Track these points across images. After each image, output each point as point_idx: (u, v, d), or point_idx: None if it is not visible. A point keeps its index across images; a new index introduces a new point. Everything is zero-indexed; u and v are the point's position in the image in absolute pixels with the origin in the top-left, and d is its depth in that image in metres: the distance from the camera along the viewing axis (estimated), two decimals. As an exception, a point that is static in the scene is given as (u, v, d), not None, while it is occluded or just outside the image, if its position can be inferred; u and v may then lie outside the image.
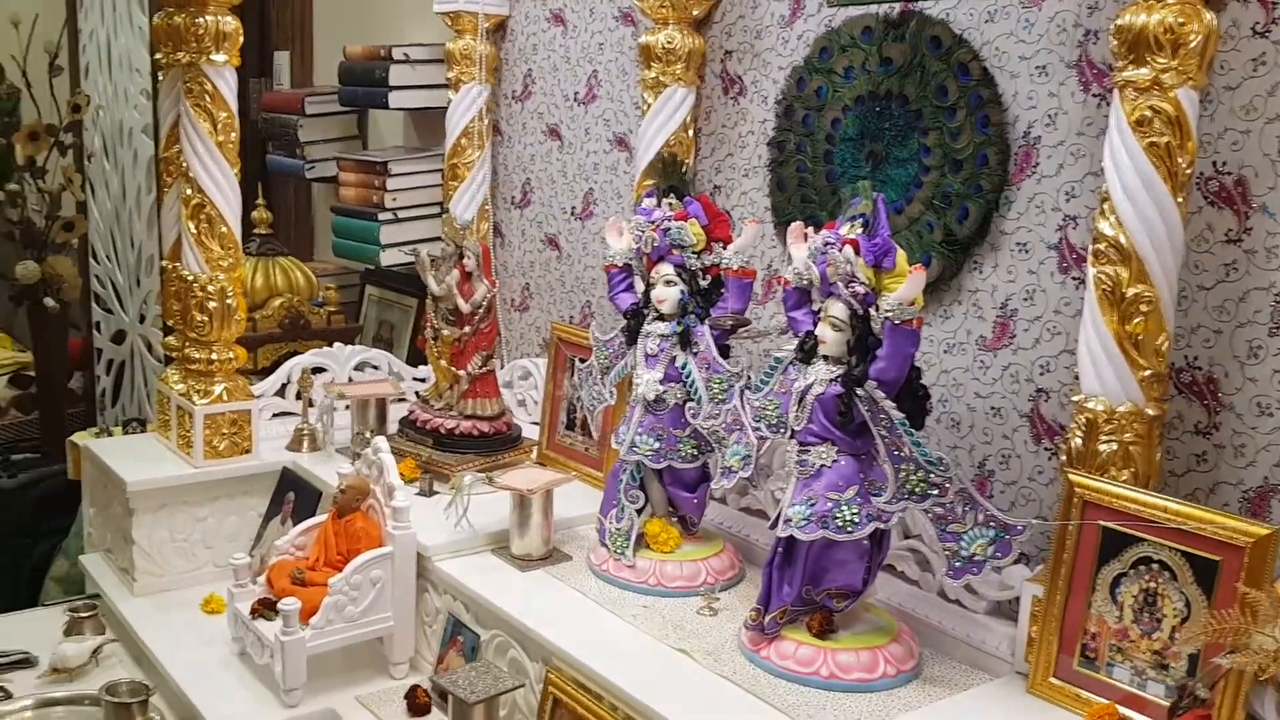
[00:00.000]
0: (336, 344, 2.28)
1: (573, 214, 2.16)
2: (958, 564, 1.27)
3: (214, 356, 2.02)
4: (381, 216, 2.44)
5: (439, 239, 2.44)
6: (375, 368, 2.29)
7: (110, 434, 2.69)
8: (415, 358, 2.43)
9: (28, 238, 3.30)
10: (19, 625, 2.00)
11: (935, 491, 1.26)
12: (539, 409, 2.10)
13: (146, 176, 3.16)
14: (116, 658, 1.87)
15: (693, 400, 1.56)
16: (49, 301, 3.28)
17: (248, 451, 2.04)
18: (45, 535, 3.00)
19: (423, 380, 2.30)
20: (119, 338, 3.41)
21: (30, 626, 1.98)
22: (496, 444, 1.96)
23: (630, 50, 2.01)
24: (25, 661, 1.85)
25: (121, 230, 3.31)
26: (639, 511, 1.62)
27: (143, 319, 3.30)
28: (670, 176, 1.60)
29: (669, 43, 1.82)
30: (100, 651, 1.85)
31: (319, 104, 2.70)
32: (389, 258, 2.46)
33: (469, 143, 2.28)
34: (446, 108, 2.33)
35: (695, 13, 1.83)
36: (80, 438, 2.71)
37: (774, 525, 1.35)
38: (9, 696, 1.75)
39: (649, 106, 1.85)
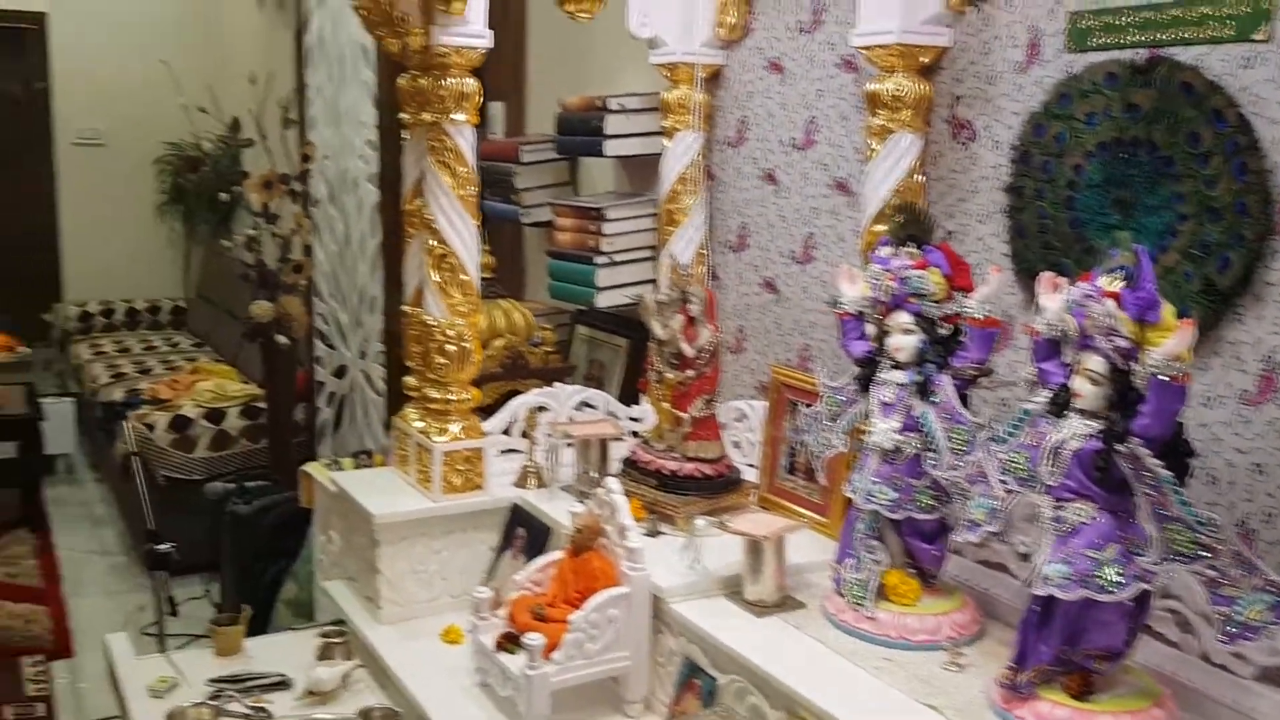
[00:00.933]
0: (557, 384, 2.36)
1: (791, 258, 2.18)
2: (1231, 629, 1.23)
3: (451, 397, 2.12)
4: (597, 260, 2.52)
5: (653, 282, 2.52)
6: (593, 407, 2.36)
7: (340, 465, 2.86)
8: (628, 396, 2.49)
9: (262, 279, 3.54)
10: (271, 648, 2.15)
11: (1206, 553, 1.22)
12: (755, 451, 2.12)
13: (370, 222, 3.35)
14: (364, 682, 1.98)
15: (932, 451, 1.55)
16: (280, 339, 3.51)
17: (480, 488, 2.14)
18: (277, 559, 3.21)
19: (637, 420, 2.36)
20: (340, 372, 3.63)
21: (282, 649, 2.12)
22: (718, 486, 1.99)
23: (851, 96, 2.02)
24: (282, 683, 1.98)
25: (345, 271, 3.52)
26: (876, 562, 1.62)
27: (363, 355, 3.49)
28: (910, 225, 1.61)
29: (897, 90, 1.82)
30: (350, 676, 1.96)
31: (534, 152, 2.81)
32: (605, 300, 2.53)
33: (684, 188, 2.33)
34: (659, 154, 2.40)
35: (923, 60, 1.84)
36: (314, 468, 2.89)
37: (1028, 583, 1.33)
38: (270, 717, 1.88)
39: (874, 152, 1.86)
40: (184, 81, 6.07)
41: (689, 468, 1.98)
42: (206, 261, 6.19)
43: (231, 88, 4.62)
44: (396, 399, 3.26)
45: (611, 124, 2.47)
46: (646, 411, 2.35)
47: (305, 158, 3.47)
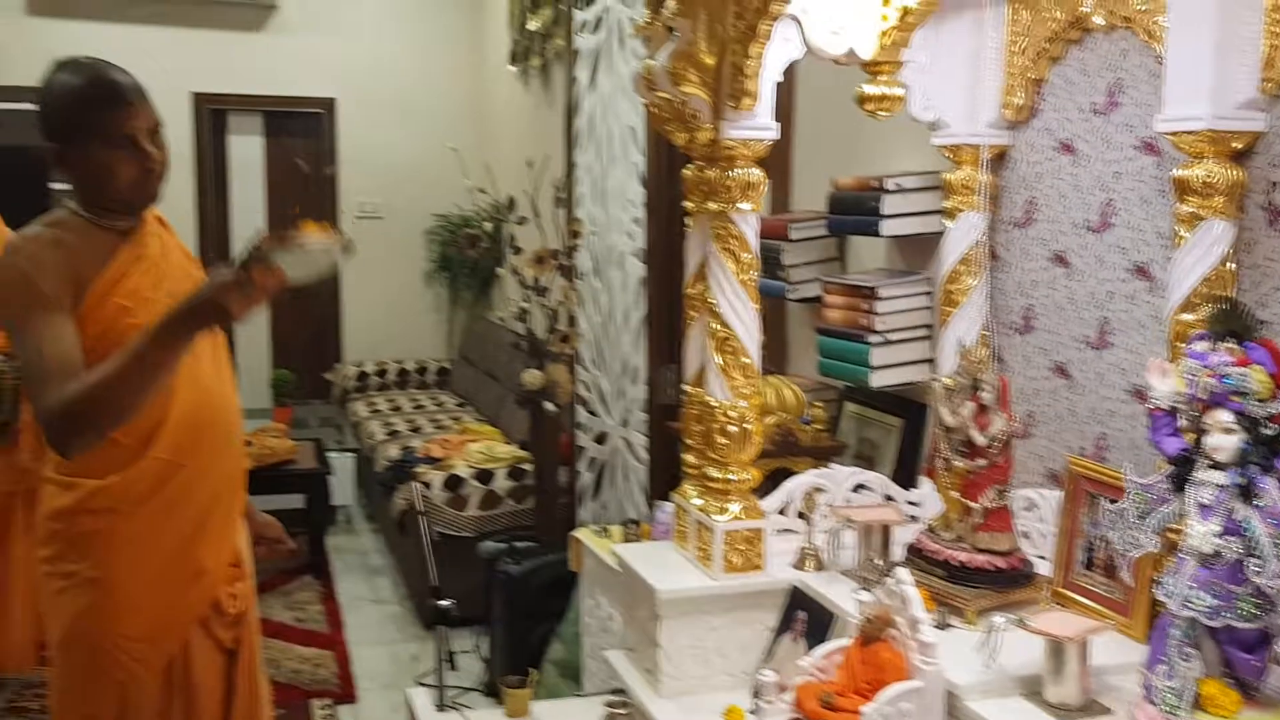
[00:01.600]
0: (834, 465, 2.37)
1: (1085, 343, 2.12)
2: None
3: (731, 476, 2.17)
4: (870, 339, 2.52)
5: (929, 361, 2.50)
6: (870, 489, 2.35)
7: (608, 533, 2.96)
8: (902, 477, 2.47)
9: (532, 348, 3.73)
10: (557, 713, 2.24)
11: None
12: (1046, 543, 2.06)
13: (635, 296, 3.48)
14: (648, 755, 2.04)
15: (1255, 557, 1.47)
16: (548, 405, 3.69)
17: (759, 568, 2.17)
18: (544, 620, 3.34)
19: (916, 504, 2.34)
20: (601, 438, 3.76)
21: (566, 715, 2.21)
22: (1011, 580, 1.94)
23: (1153, 180, 1.96)
24: (571, 749, 2.07)
25: (609, 342, 3.67)
26: (1192, 670, 1.54)
27: (625, 423, 3.61)
28: (1229, 319, 1.54)
29: (1208, 176, 1.76)
30: (636, 748, 2.03)
31: (803, 229, 2.86)
32: (879, 379, 2.53)
33: (966, 269, 2.31)
34: (935, 233, 2.39)
35: (1236, 145, 1.76)
36: (584, 534, 3.00)
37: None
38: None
39: (1182, 240, 1.80)
40: (454, 157, 6.53)
41: (980, 560, 1.94)
42: (469, 326, 6.58)
43: (499, 165, 4.94)
44: (658, 468, 3.37)
45: (888, 204, 2.48)
46: (926, 495, 2.32)
47: (574, 234, 3.65)
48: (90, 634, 2.00)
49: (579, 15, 3.72)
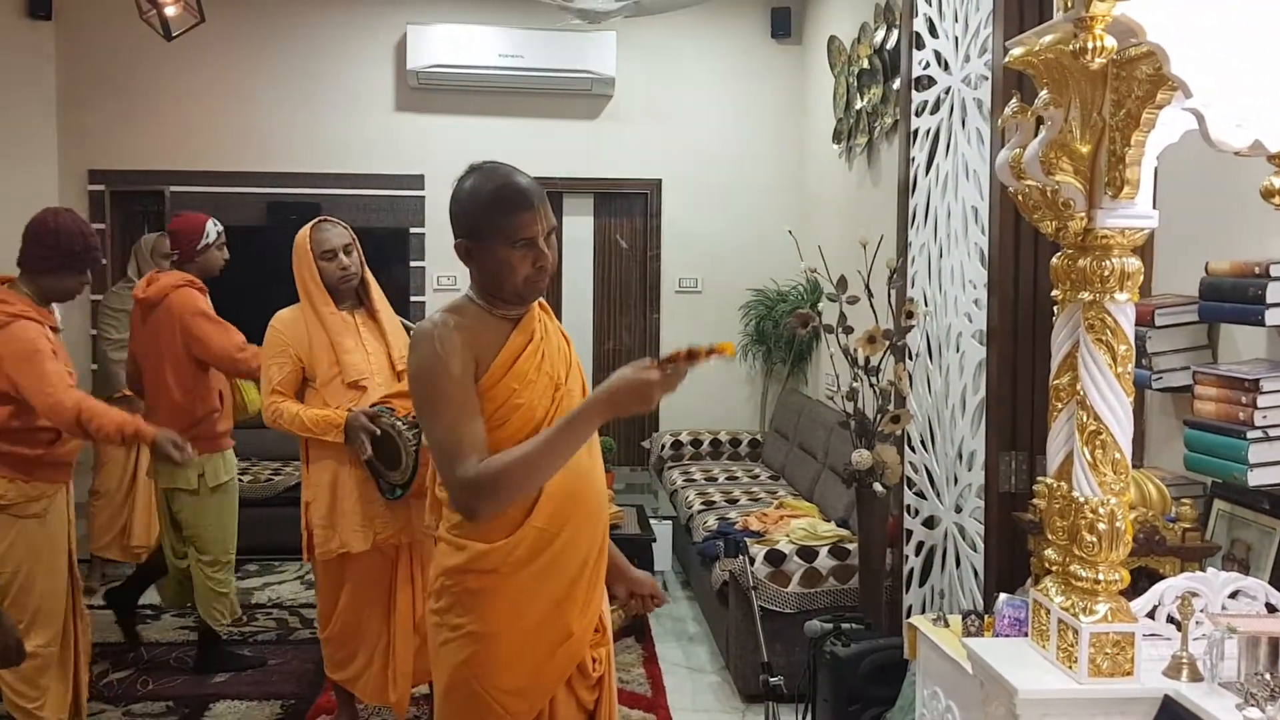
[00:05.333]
0: (1210, 569, 2.22)
1: None
2: None
3: (1100, 576, 2.08)
4: (1249, 434, 2.36)
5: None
6: (1251, 597, 2.18)
7: (946, 622, 2.89)
8: (1287, 587, 2.27)
9: (861, 428, 3.73)
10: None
11: None
12: None
13: (973, 379, 3.42)
14: None
15: None
16: (877, 486, 3.66)
17: (1130, 674, 2.06)
18: (871, 704, 3.29)
19: (1308, 617, 2.14)
20: (930, 522, 3.68)
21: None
22: None
23: None
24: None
25: (942, 425, 3.60)
26: None
27: (959, 509, 3.52)
28: None
29: None
30: None
31: (1170, 315, 2.71)
32: (1258, 477, 2.35)
33: (1367, 364, 2.12)
34: (1330, 324, 2.21)
35: None
36: (921, 623, 2.94)
37: None
38: None
39: None
40: (775, 234, 6.68)
41: (1397, 687, 1.76)
42: (782, 399, 6.66)
43: (818, 242, 5.00)
44: (996, 558, 3.26)
45: (1274, 291, 2.33)
46: (1320, 609, 2.13)
47: (908, 314, 3.63)
48: (470, 683, 2.18)
49: (917, 96, 3.74)
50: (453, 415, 2.06)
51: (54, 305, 3.61)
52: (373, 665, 3.60)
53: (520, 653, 2.17)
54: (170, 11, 5.69)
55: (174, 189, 6.93)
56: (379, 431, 3.38)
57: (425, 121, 7.00)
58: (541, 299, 2.31)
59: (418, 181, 6.99)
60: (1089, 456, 2.08)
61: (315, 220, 3.61)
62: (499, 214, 2.13)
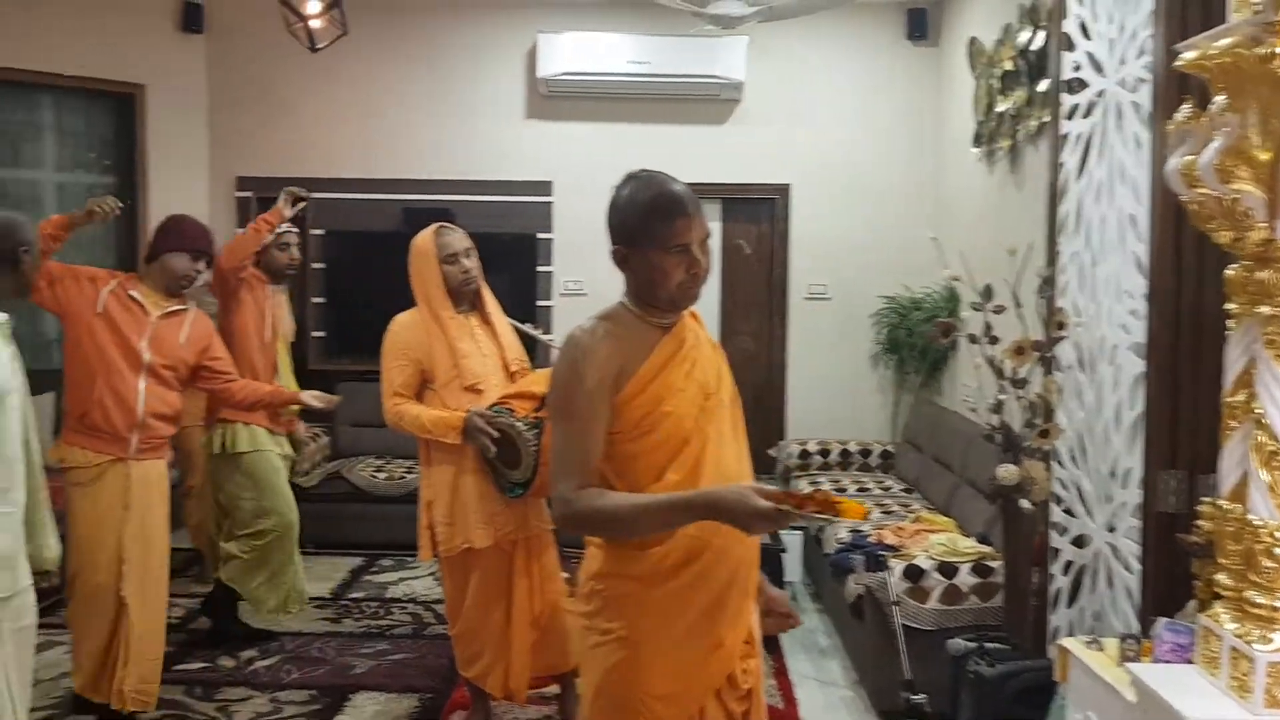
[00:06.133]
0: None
1: None
2: None
3: (1278, 604, 1.98)
4: None
5: None
6: None
7: (1100, 646, 2.79)
8: None
9: (1007, 442, 3.63)
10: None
11: None
12: None
13: (1130, 393, 3.29)
14: None
15: None
16: (1023, 502, 3.55)
17: (1314, 710, 1.95)
18: (1017, 728, 3.20)
19: None
20: (1080, 541, 3.56)
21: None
22: None
23: None
24: None
25: (1094, 441, 3.48)
26: None
27: (1111, 529, 3.40)
28: None
29: None
30: None
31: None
32: None
33: None
34: None
35: None
36: (1074, 645, 2.85)
37: None
38: None
39: None
40: (907, 240, 6.58)
41: None
42: (915, 409, 6.53)
43: (958, 248, 4.89)
44: (1154, 580, 3.13)
45: None
46: None
47: (1059, 325, 3.52)
48: (619, 687, 2.19)
49: (1068, 99, 3.62)
50: (573, 429, 2.12)
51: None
52: (498, 660, 3.67)
53: (670, 660, 2.18)
54: (316, 24, 5.89)
55: (315, 196, 7.12)
56: (497, 433, 3.44)
57: (553, 128, 7.09)
58: (693, 308, 2.31)
59: (545, 188, 7.08)
60: (1267, 478, 1.98)
61: (435, 225, 3.70)
62: (654, 220, 2.14)
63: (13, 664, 2.66)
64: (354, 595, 5.48)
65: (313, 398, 4.32)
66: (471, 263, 3.64)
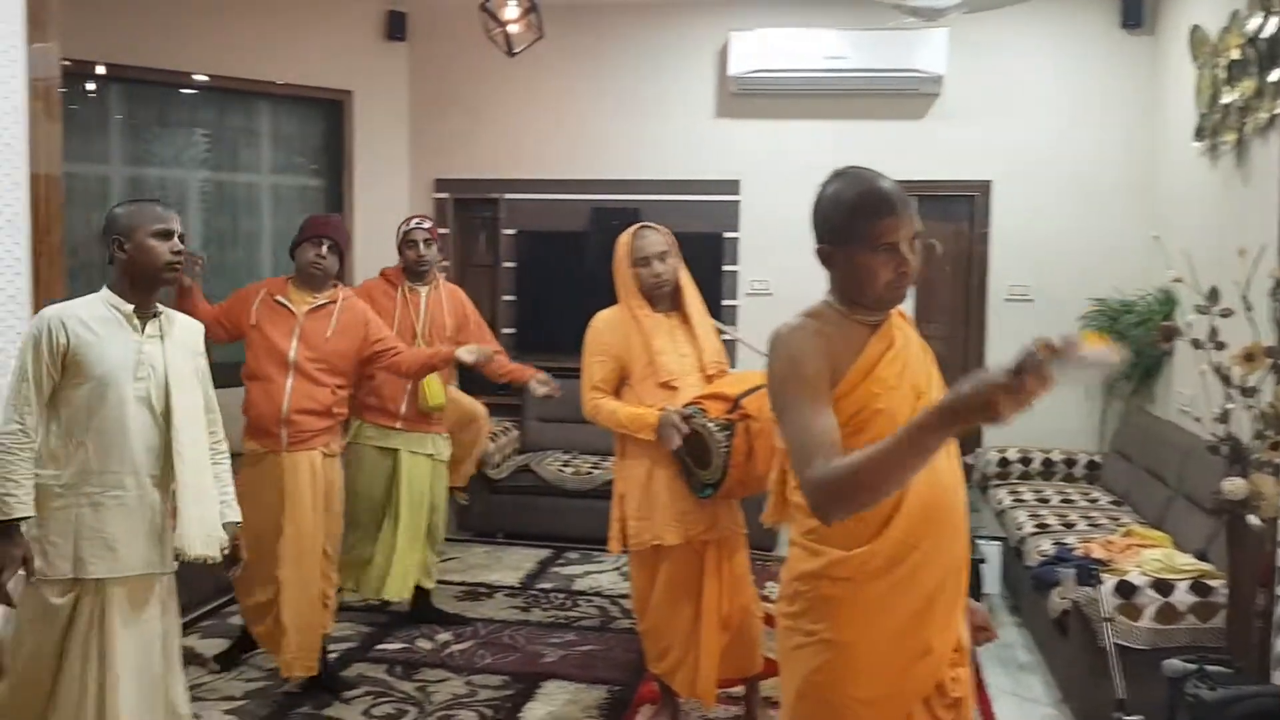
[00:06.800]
0: None
1: None
2: None
3: None
4: None
5: None
6: None
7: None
8: None
9: (1234, 454, 3.38)
10: None
11: None
12: None
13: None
14: None
15: None
16: (1251, 519, 3.30)
17: None
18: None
19: None
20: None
21: None
22: None
23: None
24: None
25: (1338, 453, 3.20)
26: None
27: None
28: None
29: None
30: None
31: None
32: None
33: None
34: None
35: None
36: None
37: None
38: None
39: None
40: (1119, 239, 6.25)
41: None
42: (1126, 418, 6.17)
43: (1176, 247, 4.60)
44: None
45: None
46: None
47: (1298, 329, 3.26)
48: (823, 690, 2.15)
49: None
50: (806, 415, 2.02)
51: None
52: (686, 659, 3.66)
53: (876, 664, 2.12)
54: (514, 29, 6.03)
55: (507, 196, 7.35)
56: (689, 431, 3.44)
57: (743, 127, 7.05)
58: (900, 308, 2.24)
59: (733, 187, 7.05)
60: None
61: (636, 226, 3.73)
62: (861, 219, 2.09)
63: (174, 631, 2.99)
64: (542, 586, 5.59)
65: (466, 352, 4.33)
66: (665, 265, 3.66)
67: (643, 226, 3.73)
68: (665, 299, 3.70)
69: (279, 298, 4.08)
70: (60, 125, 3.45)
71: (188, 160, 7.04)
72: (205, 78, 6.77)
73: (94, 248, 6.75)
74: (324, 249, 4.09)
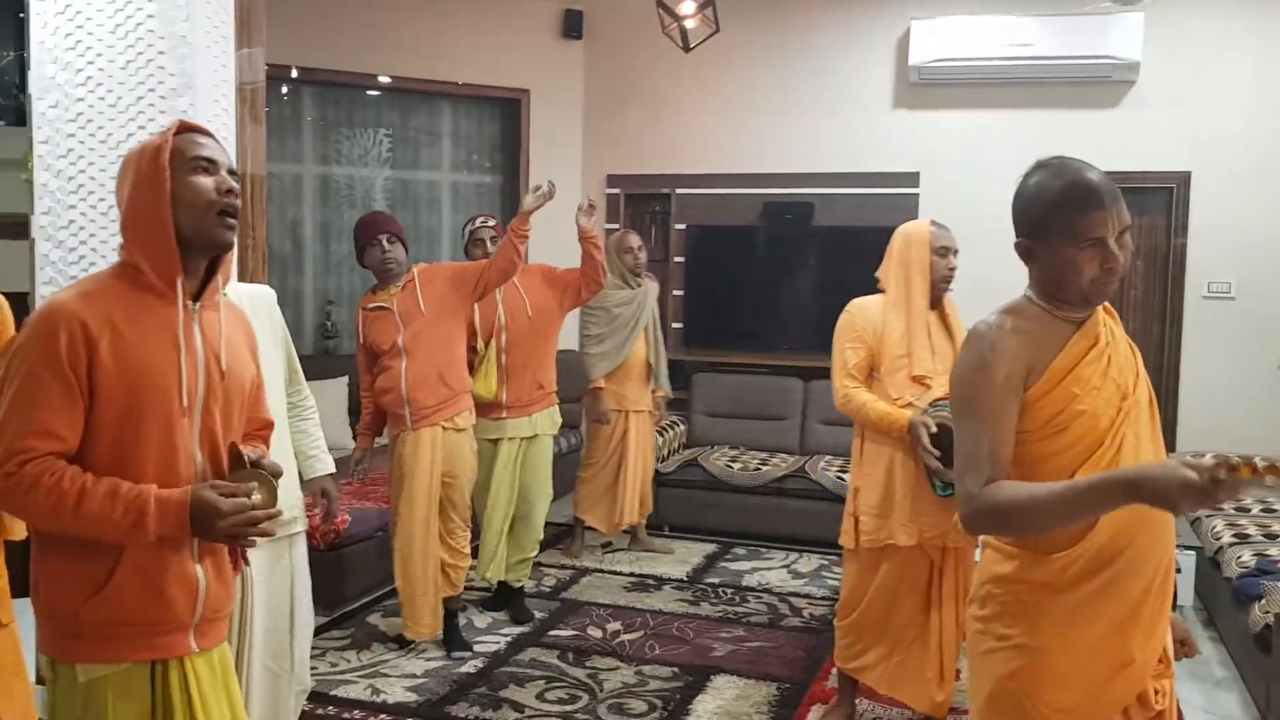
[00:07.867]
0: None
1: None
2: None
3: None
4: None
5: None
6: None
7: None
8: None
9: None
10: None
11: None
12: None
13: None
14: None
15: None
16: None
17: None
18: None
19: None
20: None
21: None
22: None
23: None
24: None
25: None
26: None
27: None
28: None
29: None
30: None
31: None
32: None
33: None
34: None
35: None
36: None
37: None
38: None
39: None
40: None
41: None
42: (1336, 424, 5.76)
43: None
44: None
45: None
46: None
47: None
48: (1017, 696, 2.07)
49: None
50: (981, 425, 1.99)
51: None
52: (892, 658, 3.59)
53: (1074, 672, 2.03)
54: (690, 24, 6.03)
55: (679, 191, 7.37)
56: (936, 428, 3.36)
57: (923, 118, 6.88)
58: (1106, 303, 2.14)
59: (912, 179, 6.88)
60: None
61: (928, 219, 3.68)
62: (1066, 212, 2.00)
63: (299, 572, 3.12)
64: (709, 580, 5.58)
65: (533, 198, 4.43)
66: (955, 261, 3.61)
67: (935, 220, 3.69)
68: (938, 296, 3.64)
69: (369, 305, 4.36)
70: (264, 127, 3.64)
71: (373, 159, 7.34)
72: (389, 79, 7.03)
73: (284, 242, 7.08)
74: (387, 243, 4.31)
